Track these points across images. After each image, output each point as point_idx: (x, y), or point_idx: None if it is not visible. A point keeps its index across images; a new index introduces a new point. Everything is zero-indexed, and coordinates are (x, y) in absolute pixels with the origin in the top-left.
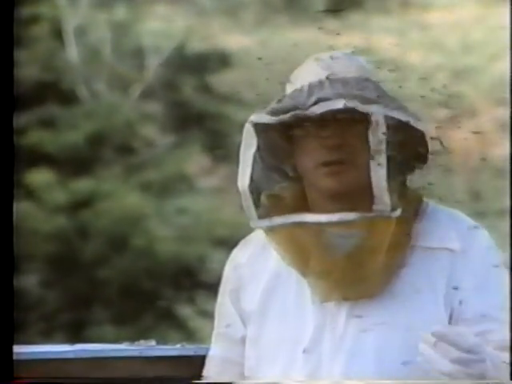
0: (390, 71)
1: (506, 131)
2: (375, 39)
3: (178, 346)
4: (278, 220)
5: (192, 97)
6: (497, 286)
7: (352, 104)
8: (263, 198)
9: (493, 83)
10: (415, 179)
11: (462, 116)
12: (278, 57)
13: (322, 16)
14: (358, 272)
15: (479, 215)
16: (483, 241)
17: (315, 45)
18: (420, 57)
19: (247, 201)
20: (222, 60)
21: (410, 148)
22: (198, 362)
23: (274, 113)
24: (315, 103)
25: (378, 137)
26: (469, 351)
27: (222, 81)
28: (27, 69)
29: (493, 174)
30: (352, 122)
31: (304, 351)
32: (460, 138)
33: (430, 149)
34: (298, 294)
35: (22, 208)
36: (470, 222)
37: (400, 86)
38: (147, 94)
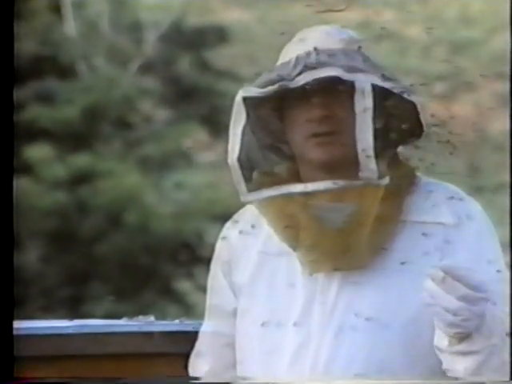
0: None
1: (506, 105)
2: (375, 12)
3: (177, 321)
4: (267, 192)
5: (190, 72)
6: (491, 259)
7: (336, 72)
8: (255, 174)
9: (492, 57)
10: (413, 154)
11: (461, 89)
12: (275, 32)
13: None
14: (347, 243)
15: (478, 190)
16: (477, 215)
17: (314, 19)
18: (419, 30)
19: (237, 175)
20: (220, 35)
21: (401, 120)
22: (197, 337)
23: (261, 85)
24: (300, 73)
25: (363, 104)
26: (476, 288)
27: (220, 56)
28: (25, 43)
29: (492, 149)
30: (340, 92)
31: (294, 324)
32: (459, 111)
33: (423, 121)
34: (288, 267)
35: (20, 183)
36: (463, 195)
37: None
38: (145, 69)
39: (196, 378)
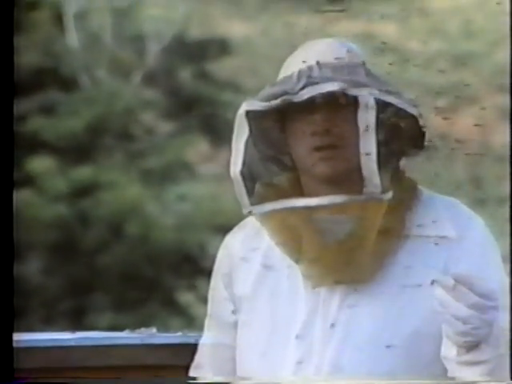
0: (390, 64)
1: (507, 118)
2: (376, 25)
3: (179, 333)
4: (269, 206)
5: (192, 83)
6: (493, 274)
7: (340, 87)
8: (258, 187)
9: (494, 70)
10: (414, 166)
11: (462, 103)
12: (278, 44)
13: (323, 2)
14: (350, 256)
15: (479, 202)
16: (479, 228)
17: (316, 32)
18: (421, 43)
19: (239, 187)
20: (222, 47)
21: (403, 134)
22: None
23: (264, 99)
24: (303, 87)
25: (366, 119)
26: (486, 296)
27: (223, 68)
28: (27, 55)
29: (493, 161)
30: (343, 107)
31: (296, 337)
32: (461, 124)
33: (425, 133)
34: (290, 279)
35: (22, 195)
36: (466, 209)
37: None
38: (148, 81)
39: (194, 378)
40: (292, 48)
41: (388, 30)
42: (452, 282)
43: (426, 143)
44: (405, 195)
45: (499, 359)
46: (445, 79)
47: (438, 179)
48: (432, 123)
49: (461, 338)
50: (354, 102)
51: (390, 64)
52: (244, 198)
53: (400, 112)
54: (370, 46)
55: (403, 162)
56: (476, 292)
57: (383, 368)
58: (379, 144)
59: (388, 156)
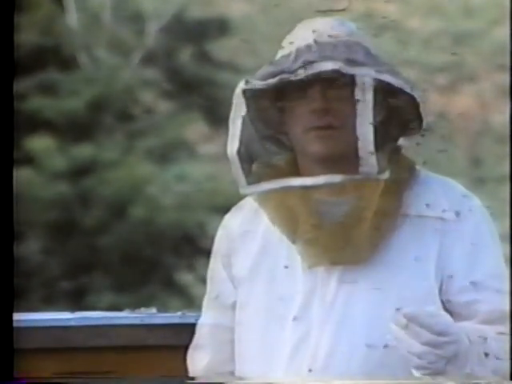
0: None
1: (507, 97)
2: (377, 4)
3: (179, 313)
4: (266, 186)
5: (191, 64)
6: (488, 256)
7: (337, 66)
8: (255, 167)
9: (493, 48)
10: (413, 145)
11: (462, 81)
12: (278, 24)
13: None
14: (346, 237)
15: (480, 181)
16: (476, 210)
17: (316, 11)
18: (420, 21)
19: (236, 167)
20: (221, 27)
21: (401, 114)
22: None
23: (261, 78)
24: (301, 67)
25: (363, 98)
26: (440, 333)
27: (222, 48)
28: (27, 34)
29: (493, 140)
30: (340, 86)
31: (294, 318)
32: (460, 103)
33: (423, 114)
34: (288, 260)
35: (22, 174)
36: (463, 190)
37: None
38: (147, 60)
39: (193, 378)
40: (292, 28)
41: (389, 9)
42: (404, 321)
43: (423, 122)
44: (402, 175)
45: (467, 375)
46: (444, 58)
47: (437, 158)
48: (432, 102)
49: (418, 370)
50: (351, 82)
51: (391, 42)
52: (241, 178)
53: (398, 92)
54: (371, 24)
55: (401, 142)
56: (429, 330)
57: (380, 349)
58: (377, 124)
59: (386, 136)
